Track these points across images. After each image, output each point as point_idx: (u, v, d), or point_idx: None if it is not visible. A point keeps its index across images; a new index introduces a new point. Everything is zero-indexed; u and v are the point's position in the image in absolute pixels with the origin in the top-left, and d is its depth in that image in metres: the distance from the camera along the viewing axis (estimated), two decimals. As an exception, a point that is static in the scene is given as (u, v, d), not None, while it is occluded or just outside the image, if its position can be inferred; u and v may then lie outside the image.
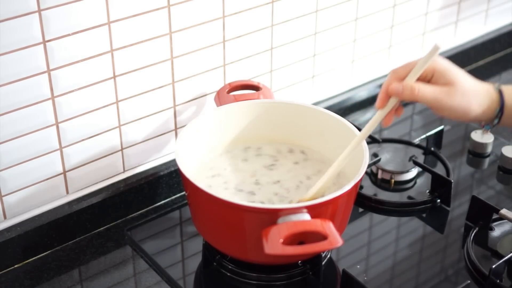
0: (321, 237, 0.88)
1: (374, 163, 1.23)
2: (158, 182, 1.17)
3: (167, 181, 1.19)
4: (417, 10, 1.45)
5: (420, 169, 1.24)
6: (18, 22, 0.94)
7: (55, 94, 1.02)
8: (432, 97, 0.88)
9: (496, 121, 0.92)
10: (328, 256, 1.07)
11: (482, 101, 0.91)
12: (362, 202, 1.18)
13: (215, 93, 1.17)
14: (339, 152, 1.08)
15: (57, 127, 1.04)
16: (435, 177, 1.19)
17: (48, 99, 1.01)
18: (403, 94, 0.88)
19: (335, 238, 0.87)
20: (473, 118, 0.91)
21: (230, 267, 1.03)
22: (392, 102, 0.90)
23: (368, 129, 0.94)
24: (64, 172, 1.08)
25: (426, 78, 0.90)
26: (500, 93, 0.92)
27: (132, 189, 1.15)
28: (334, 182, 1.05)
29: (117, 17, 1.03)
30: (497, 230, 1.11)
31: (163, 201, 1.20)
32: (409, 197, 1.20)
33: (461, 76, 0.89)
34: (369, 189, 1.22)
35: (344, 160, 0.97)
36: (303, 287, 1.03)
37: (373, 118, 0.93)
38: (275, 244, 0.87)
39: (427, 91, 0.88)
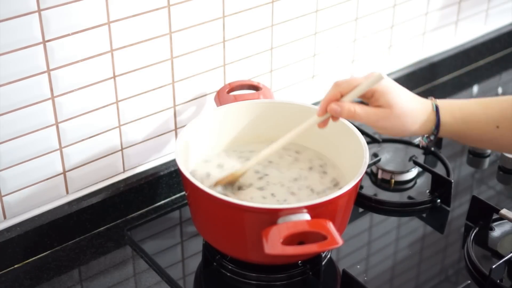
0: (321, 237, 0.88)
1: (374, 163, 1.23)
2: (158, 182, 1.17)
3: (167, 181, 1.19)
4: (417, 10, 1.45)
5: (420, 169, 1.24)
6: (18, 22, 0.94)
7: (55, 94, 1.02)
8: (367, 119, 0.93)
9: (432, 137, 0.97)
10: (328, 256, 1.07)
11: (418, 121, 0.95)
12: (362, 202, 1.18)
13: (215, 93, 1.17)
14: (339, 152, 1.09)
15: (57, 127, 1.04)
16: (435, 177, 1.19)
17: (48, 99, 1.01)
18: (341, 114, 0.93)
19: (335, 238, 0.87)
20: (411, 134, 0.96)
21: (230, 267, 1.03)
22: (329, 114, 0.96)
23: (299, 131, 0.98)
24: (64, 172, 1.08)
25: (366, 96, 0.94)
26: (437, 112, 0.95)
27: (132, 189, 1.15)
28: (335, 183, 1.05)
29: (117, 17, 1.03)
30: (497, 230, 1.11)
31: (163, 201, 1.20)
32: (409, 197, 1.20)
33: (398, 98, 0.93)
34: (369, 189, 1.22)
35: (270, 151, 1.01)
36: (303, 287, 1.03)
37: (308, 121, 0.97)
38: (275, 244, 0.87)
39: (362, 114, 0.93)
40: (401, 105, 0.93)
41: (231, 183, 1.03)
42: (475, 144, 1.00)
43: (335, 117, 0.96)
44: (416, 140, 0.99)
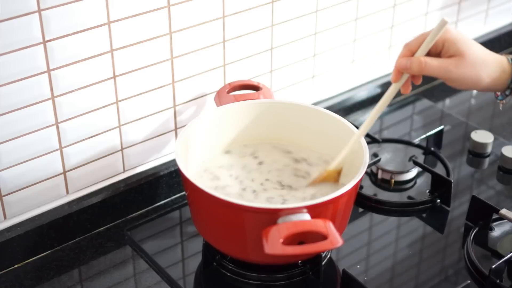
0: (321, 237, 0.88)
1: (374, 163, 1.23)
2: (158, 182, 1.17)
3: (167, 181, 1.19)
4: (417, 10, 1.45)
5: (420, 169, 1.24)
6: (18, 22, 0.94)
7: (55, 94, 1.02)
8: (439, 69, 0.90)
9: (508, 91, 0.93)
10: (328, 256, 1.07)
11: (492, 71, 0.92)
12: (362, 202, 1.18)
13: (215, 93, 1.17)
14: (339, 152, 1.08)
15: (57, 127, 1.04)
16: (435, 177, 1.19)
17: (48, 99, 1.01)
18: (411, 69, 0.91)
19: (335, 238, 0.87)
20: (484, 87, 0.93)
21: (230, 267, 1.03)
22: (406, 75, 0.94)
23: (386, 100, 0.96)
24: (64, 172, 1.08)
25: (438, 49, 0.92)
26: None
27: (132, 189, 1.15)
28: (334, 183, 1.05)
29: (117, 17, 1.03)
30: (497, 230, 1.11)
31: (163, 201, 1.20)
32: (409, 197, 1.20)
33: (470, 46, 0.91)
34: (369, 189, 1.22)
35: (367, 126, 0.99)
36: (303, 287, 1.03)
37: (389, 90, 0.95)
38: (275, 244, 0.87)
39: (433, 64, 0.90)
40: (473, 52, 0.91)
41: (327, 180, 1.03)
42: None
43: (415, 77, 0.93)
44: (498, 98, 0.95)
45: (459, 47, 0.90)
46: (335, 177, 1.03)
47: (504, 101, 0.95)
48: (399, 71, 0.92)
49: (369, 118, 0.98)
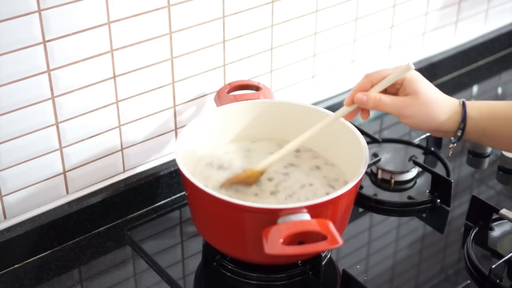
0: (321, 237, 0.88)
1: (374, 163, 1.23)
2: (158, 182, 1.17)
3: (167, 181, 1.19)
4: (417, 10, 1.45)
5: (420, 169, 1.24)
6: (18, 22, 0.94)
7: (55, 94, 1.02)
8: (393, 107, 0.94)
9: (459, 132, 0.95)
10: (328, 256, 1.07)
11: (444, 111, 0.95)
12: (362, 202, 1.18)
13: (215, 93, 1.17)
14: (339, 152, 1.09)
15: (57, 127, 1.04)
16: (435, 177, 1.19)
17: (48, 99, 1.01)
18: (367, 104, 0.95)
19: (335, 238, 0.87)
20: (436, 127, 0.95)
21: (230, 267, 1.03)
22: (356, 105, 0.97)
23: (331, 120, 1.00)
24: (64, 172, 1.08)
25: (396, 86, 0.95)
26: (463, 106, 0.95)
27: (132, 189, 1.15)
28: (334, 185, 1.05)
29: (117, 17, 1.03)
30: (497, 230, 1.11)
31: (163, 201, 1.20)
32: (409, 197, 1.20)
33: (425, 87, 0.94)
34: (369, 189, 1.22)
35: (301, 140, 1.01)
36: (303, 287, 1.03)
37: (337, 112, 0.99)
38: (275, 244, 0.87)
39: (388, 102, 0.94)
40: (427, 92, 0.94)
41: (239, 184, 1.03)
42: (501, 145, 0.98)
43: (363, 110, 0.97)
44: (450, 146, 0.98)
45: (415, 86, 0.93)
46: (255, 179, 1.03)
47: (455, 144, 0.98)
48: (353, 100, 0.96)
49: (309, 131, 1.00)
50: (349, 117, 0.98)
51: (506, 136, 0.95)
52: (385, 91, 0.96)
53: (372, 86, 0.96)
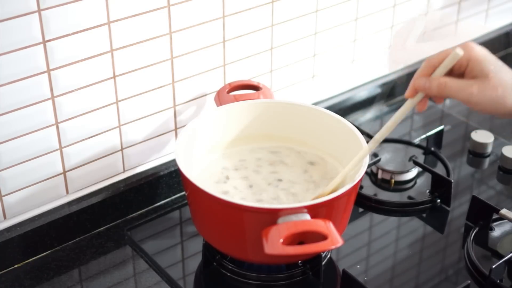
0: (321, 237, 0.88)
1: (374, 163, 1.23)
2: (158, 182, 1.17)
3: (167, 181, 1.19)
4: (417, 10, 1.45)
5: (420, 169, 1.24)
6: (18, 22, 0.94)
7: (55, 94, 1.02)
8: (460, 92, 0.85)
9: None
10: (328, 256, 1.07)
11: None
12: (362, 202, 1.18)
13: (215, 93, 1.17)
14: (339, 152, 1.09)
15: (57, 127, 1.04)
16: (435, 177, 1.19)
17: (48, 99, 1.01)
18: (431, 90, 0.86)
19: (335, 238, 0.87)
20: (508, 113, 0.87)
21: (230, 267, 1.03)
22: (421, 94, 0.89)
23: (398, 117, 0.91)
24: (64, 172, 1.08)
25: (462, 68, 0.87)
26: None
27: (132, 189, 1.15)
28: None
29: (117, 17, 1.03)
30: (497, 230, 1.11)
31: (163, 201, 1.20)
32: (409, 197, 1.20)
33: (495, 68, 0.85)
34: (369, 189, 1.22)
35: (375, 144, 0.95)
36: (303, 287, 1.03)
37: (403, 107, 0.90)
38: (275, 244, 0.87)
39: (454, 85, 0.85)
40: (498, 74, 0.85)
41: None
42: None
43: (437, 98, 0.88)
44: None
45: (484, 67, 0.85)
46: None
47: None
48: (415, 88, 0.87)
49: (379, 133, 0.94)
50: (420, 107, 0.89)
51: None
52: (450, 74, 0.86)
53: (434, 69, 0.86)
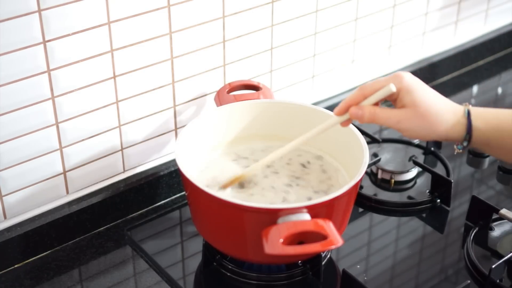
0: (321, 237, 0.88)
1: (374, 163, 1.23)
2: (158, 182, 1.17)
3: (167, 181, 1.19)
4: (417, 10, 1.46)
5: (420, 169, 1.24)
6: (18, 22, 0.94)
7: (55, 94, 1.02)
8: (389, 121, 0.90)
9: (465, 143, 0.91)
10: (328, 256, 1.07)
11: (446, 122, 0.90)
12: (362, 202, 1.18)
13: (215, 93, 1.17)
14: (339, 152, 1.09)
15: (57, 127, 1.04)
16: (435, 177, 1.19)
17: (48, 99, 1.01)
18: (363, 119, 0.91)
19: (335, 238, 0.87)
20: (438, 138, 0.91)
21: (230, 267, 1.03)
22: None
23: (322, 129, 0.96)
24: (64, 172, 1.08)
25: (393, 96, 0.91)
26: (468, 116, 0.90)
27: (132, 189, 1.15)
28: (333, 183, 1.05)
29: (117, 17, 1.03)
30: (497, 230, 1.12)
31: (163, 201, 1.20)
32: (409, 197, 1.20)
33: (424, 97, 0.89)
34: (369, 189, 1.22)
35: (296, 145, 0.99)
36: (303, 287, 1.03)
37: (326, 122, 0.96)
38: (275, 244, 0.87)
39: (385, 116, 0.90)
40: (426, 103, 0.89)
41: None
42: (505, 156, 0.93)
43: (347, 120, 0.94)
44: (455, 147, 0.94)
45: (413, 97, 0.89)
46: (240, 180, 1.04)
47: (461, 150, 0.92)
48: (346, 108, 0.92)
49: (296, 141, 0.98)
50: (345, 124, 0.95)
51: (511, 148, 0.91)
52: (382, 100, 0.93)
53: (365, 98, 0.91)
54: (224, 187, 1.03)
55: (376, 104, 0.91)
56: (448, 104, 0.91)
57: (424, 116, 0.89)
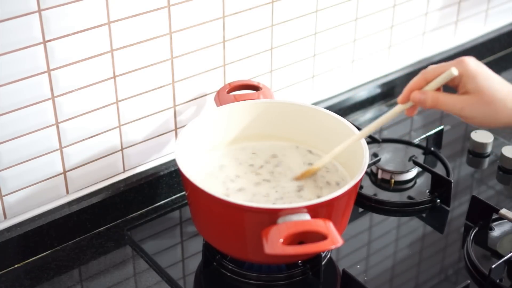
0: (321, 237, 0.88)
1: (374, 163, 1.23)
2: (158, 182, 1.17)
3: (167, 181, 1.19)
4: (417, 10, 1.46)
5: (420, 169, 1.24)
6: (18, 22, 0.94)
7: (55, 94, 1.02)
8: (453, 107, 0.88)
9: None
10: (328, 256, 1.07)
11: (510, 110, 0.87)
12: (362, 202, 1.18)
13: (215, 93, 1.17)
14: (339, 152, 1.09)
15: (57, 127, 1.04)
16: (435, 177, 1.19)
17: (48, 99, 1.01)
18: (425, 104, 0.89)
19: (335, 238, 0.87)
20: (503, 125, 0.89)
21: (230, 267, 1.03)
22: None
23: (387, 117, 0.95)
24: (64, 172, 1.08)
25: (455, 82, 0.90)
26: None
27: (132, 189, 1.15)
28: (335, 183, 1.05)
29: (117, 17, 1.03)
30: (497, 230, 1.12)
31: (163, 201, 1.20)
32: (409, 197, 1.20)
33: (488, 82, 0.87)
34: (369, 189, 1.22)
35: (350, 143, 0.99)
36: (303, 287, 1.03)
37: (393, 110, 0.94)
38: (275, 244, 0.87)
39: (447, 101, 0.88)
40: (491, 89, 0.86)
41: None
42: None
43: (413, 108, 0.92)
44: None
45: (477, 83, 0.87)
46: (314, 173, 1.05)
47: None
48: (409, 96, 0.90)
49: (367, 127, 0.97)
50: (410, 111, 0.92)
51: None
52: (444, 86, 0.90)
53: (427, 83, 0.89)
54: (297, 179, 1.05)
55: (438, 89, 0.90)
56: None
57: (488, 103, 0.87)
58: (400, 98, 0.92)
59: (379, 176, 1.23)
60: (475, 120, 0.89)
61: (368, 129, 0.98)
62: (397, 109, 0.93)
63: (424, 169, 1.22)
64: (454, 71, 0.87)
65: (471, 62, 0.89)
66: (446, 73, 0.88)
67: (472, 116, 0.88)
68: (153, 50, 1.09)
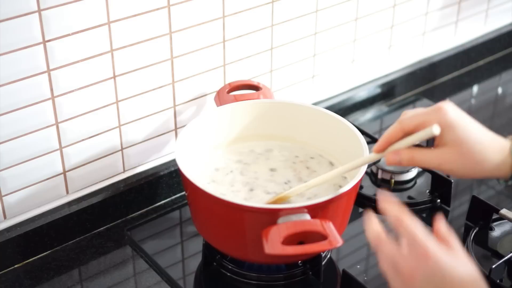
0: (321, 237, 0.88)
1: (374, 163, 1.23)
2: (158, 182, 1.17)
3: (167, 181, 1.19)
4: (417, 10, 1.46)
5: (420, 169, 1.24)
6: (18, 22, 0.94)
7: (55, 94, 1.02)
8: (430, 163, 0.85)
9: (510, 182, 0.86)
10: (328, 256, 1.07)
11: (491, 159, 0.83)
12: (362, 202, 1.18)
13: (215, 93, 1.17)
14: (339, 152, 1.09)
15: (57, 127, 1.04)
16: (435, 177, 1.19)
17: (48, 99, 1.01)
18: (401, 164, 0.86)
19: (335, 238, 0.87)
20: (483, 176, 0.85)
21: (230, 267, 1.03)
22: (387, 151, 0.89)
23: (363, 161, 0.94)
24: (64, 172, 1.08)
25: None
26: None
27: (132, 189, 1.15)
28: (334, 182, 1.05)
29: (117, 17, 1.03)
30: (497, 230, 1.11)
31: (163, 201, 1.20)
32: (409, 197, 1.20)
33: (468, 133, 0.82)
34: (369, 189, 1.22)
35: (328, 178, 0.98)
36: (303, 287, 1.03)
37: (367, 157, 0.94)
38: (275, 244, 0.87)
39: (424, 158, 0.84)
40: (470, 142, 0.82)
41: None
42: None
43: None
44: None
45: (455, 135, 0.82)
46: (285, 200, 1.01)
47: (502, 185, 0.89)
48: (386, 145, 0.87)
49: (343, 167, 0.95)
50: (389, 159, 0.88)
51: None
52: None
53: (404, 134, 0.84)
54: (268, 204, 1.00)
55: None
56: (493, 141, 0.84)
57: (468, 155, 0.82)
58: (376, 146, 0.88)
59: (379, 176, 1.23)
60: (454, 173, 0.84)
61: (343, 169, 0.95)
62: (372, 157, 0.90)
63: (424, 169, 1.22)
64: (436, 130, 0.81)
65: (450, 111, 0.82)
66: (426, 131, 0.82)
67: (451, 169, 0.84)
68: (153, 50, 1.09)
